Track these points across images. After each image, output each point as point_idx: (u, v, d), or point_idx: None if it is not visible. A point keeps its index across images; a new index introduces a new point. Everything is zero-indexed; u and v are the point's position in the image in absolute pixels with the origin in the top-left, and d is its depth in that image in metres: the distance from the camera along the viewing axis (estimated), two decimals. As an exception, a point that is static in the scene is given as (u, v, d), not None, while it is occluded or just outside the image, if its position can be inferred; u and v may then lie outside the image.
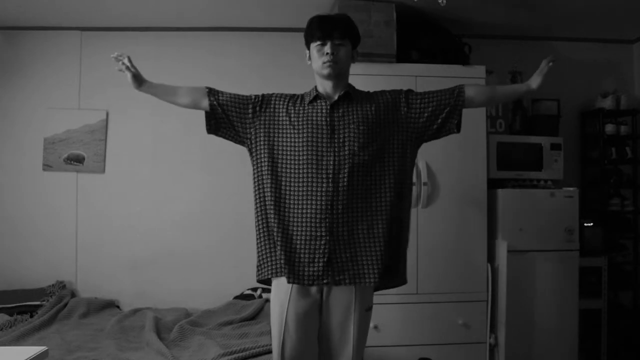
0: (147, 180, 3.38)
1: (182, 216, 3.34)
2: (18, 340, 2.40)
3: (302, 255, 1.72)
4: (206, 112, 1.88)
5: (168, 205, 3.36)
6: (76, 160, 3.34)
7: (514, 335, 2.84)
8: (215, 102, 1.86)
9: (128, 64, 1.85)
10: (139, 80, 1.88)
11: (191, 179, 3.39)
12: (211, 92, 1.87)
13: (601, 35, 3.59)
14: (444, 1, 2.59)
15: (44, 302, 2.96)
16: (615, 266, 3.32)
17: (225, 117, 1.86)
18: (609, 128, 3.37)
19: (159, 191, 3.36)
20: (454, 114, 1.83)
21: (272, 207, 1.76)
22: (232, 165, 3.35)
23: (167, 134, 3.39)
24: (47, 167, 3.33)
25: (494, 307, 2.90)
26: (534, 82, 1.89)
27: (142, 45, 3.35)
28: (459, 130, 1.86)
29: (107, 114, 3.37)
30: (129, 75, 1.86)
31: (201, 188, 3.37)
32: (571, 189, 3.00)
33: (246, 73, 3.34)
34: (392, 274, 1.78)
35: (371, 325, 2.72)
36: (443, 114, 1.82)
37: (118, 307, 3.19)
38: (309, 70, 3.37)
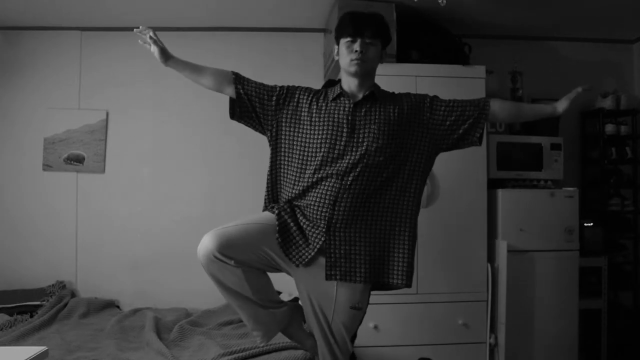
0: (147, 180, 3.38)
1: (183, 216, 3.34)
2: (18, 340, 2.40)
3: (298, 238, 1.73)
4: (230, 98, 1.88)
5: (168, 205, 3.36)
6: (76, 160, 3.34)
7: (514, 335, 2.84)
8: (241, 90, 1.85)
9: (154, 37, 1.84)
10: (165, 54, 1.87)
11: (191, 178, 3.39)
12: (237, 80, 1.87)
13: (601, 35, 3.59)
14: (444, 1, 2.60)
15: (44, 302, 2.96)
16: (615, 266, 3.32)
17: (250, 105, 1.86)
18: (609, 128, 3.37)
19: (159, 191, 3.36)
20: (477, 126, 1.83)
21: (281, 192, 1.83)
22: (233, 165, 3.36)
23: (167, 134, 3.39)
24: (47, 167, 3.33)
25: (494, 307, 2.90)
26: (561, 105, 1.87)
27: (142, 45, 3.35)
28: (480, 143, 1.86)
29: (107, 114, 3.37)
30: (156, 49, 1.85)
31: (201, 188, 3.37)
32: (571, 189, 3.00)
33: (246, 73, 3.31)
34: (387, 274, 1.77)
35: (371, 325, 2.73)
36: (465, 125, 1.82)
37: (118, 307, 3.18)
38: (310, 69, 3.41)
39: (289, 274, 1.81)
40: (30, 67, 3.36)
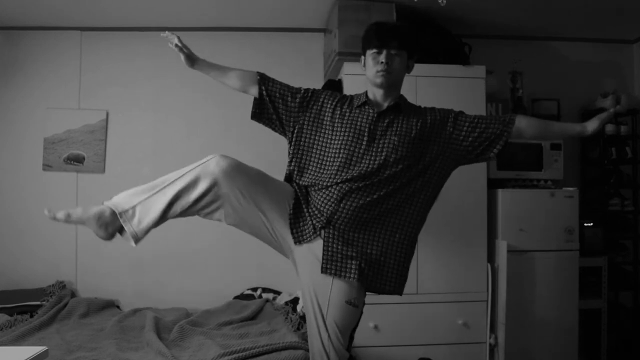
0: (147, 180, 3.36)
1: (182, 216, 3.34)
2: (18, 340, 2.40)
3: (303, 219, 1.76)
4: (254, 98, 1.89)
5: (168, 205, 3.35)
6: (76, 160, 3.34)
7: (514, 335, 2.84)
8: (264, 91, 1.87)
9: (180, 45, 1.84)
10: (191, 59, 1.88)
11: (191, 179, 3.38)
12: (262, 80, 1.88)
13: (601, 35, 3.59)
14: (444, 1, 2.59)
15: (44, 302, 2.96)
16: (615, 266, 3.32)
17: (272, 107, 1.87)
18: (609, 128, 3.37)
19: (159, 191, 3.36)
20: (497, 142, 1.82)
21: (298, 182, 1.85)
22: (232, 165, 3.36)
23: (167, 134, 3.39)
24: (47, 167, 3.33)
25: (494, 307, 2.90)
26: (591, 126, 1.87)
27: (142, 45, 3.36)
28: (495, 158, 1.87)
29: (107, 114, 3.37)
30: (181, 55, 1.86)
31: (201, 188, 3.37)
32: (571, 189, 3.00)
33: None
34: (380, 280, 1.77)
35: (371, 325, 2.74)
36: (487, 142, 1.82)
37: (118, 307, 3.18)
38: (310, 69, 3.41)
39: (276, 245, 1.81)
40: (30, 67, 3.36)
